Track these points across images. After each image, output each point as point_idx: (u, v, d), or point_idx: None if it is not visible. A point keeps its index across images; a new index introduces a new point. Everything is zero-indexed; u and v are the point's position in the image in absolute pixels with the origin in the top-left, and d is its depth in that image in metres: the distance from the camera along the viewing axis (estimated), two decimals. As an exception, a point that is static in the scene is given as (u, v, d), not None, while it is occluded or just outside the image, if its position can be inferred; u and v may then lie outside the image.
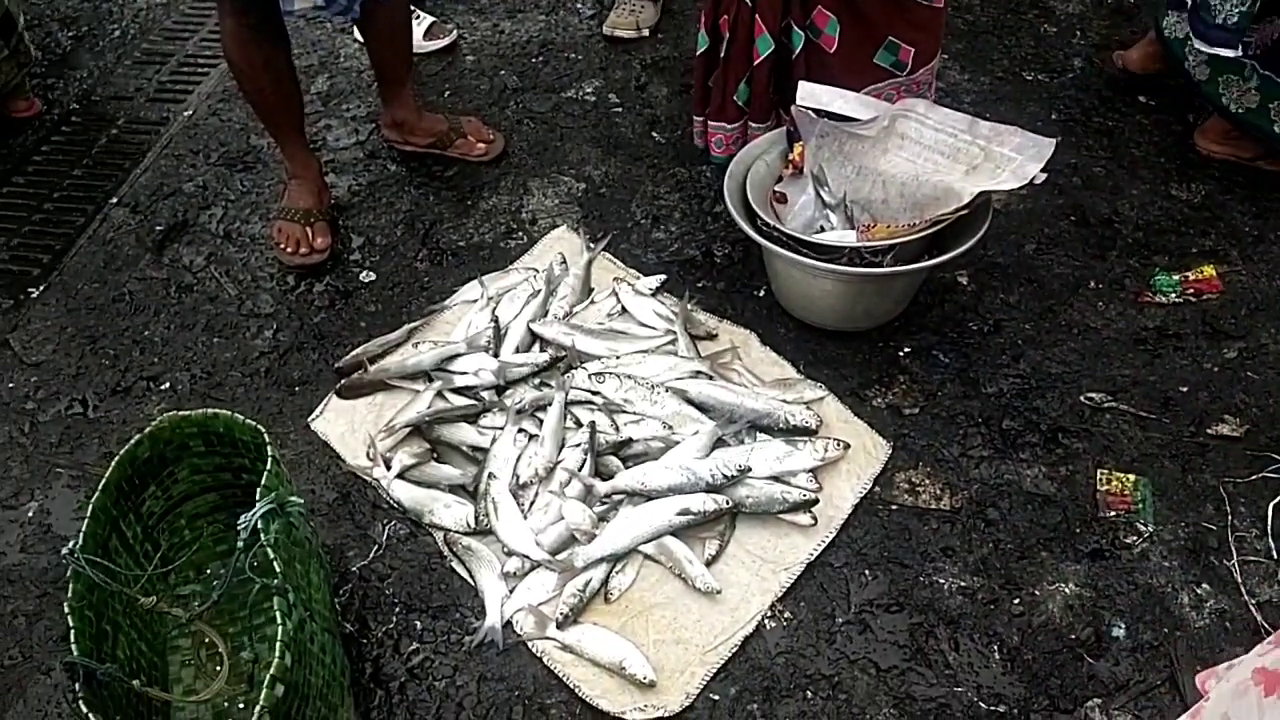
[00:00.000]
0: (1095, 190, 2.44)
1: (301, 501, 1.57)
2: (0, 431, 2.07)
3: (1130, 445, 1.92)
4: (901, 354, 2.12)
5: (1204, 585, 1.72)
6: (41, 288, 2.37)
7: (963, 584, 1.75)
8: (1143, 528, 1.80)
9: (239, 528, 1.45)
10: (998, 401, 2.03)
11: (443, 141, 2.60)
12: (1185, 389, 2.01)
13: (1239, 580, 1.72)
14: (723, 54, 2.20)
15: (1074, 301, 2.20)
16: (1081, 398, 2.01)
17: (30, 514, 1.93)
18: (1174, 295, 2.17)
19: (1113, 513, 1.82)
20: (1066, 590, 1.73)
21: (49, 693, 1.68)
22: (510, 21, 3.12)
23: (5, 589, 1.82)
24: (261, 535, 1.43)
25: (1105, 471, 1.88)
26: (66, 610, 1.39)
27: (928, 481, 1.90)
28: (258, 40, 2.15)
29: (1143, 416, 1.97)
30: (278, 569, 1.42)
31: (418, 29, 2.98)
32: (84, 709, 1.28)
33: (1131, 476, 1.86)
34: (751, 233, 2.01)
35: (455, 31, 3.05)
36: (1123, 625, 1.68)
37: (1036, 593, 1.74)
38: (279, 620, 1.35)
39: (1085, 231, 2.35)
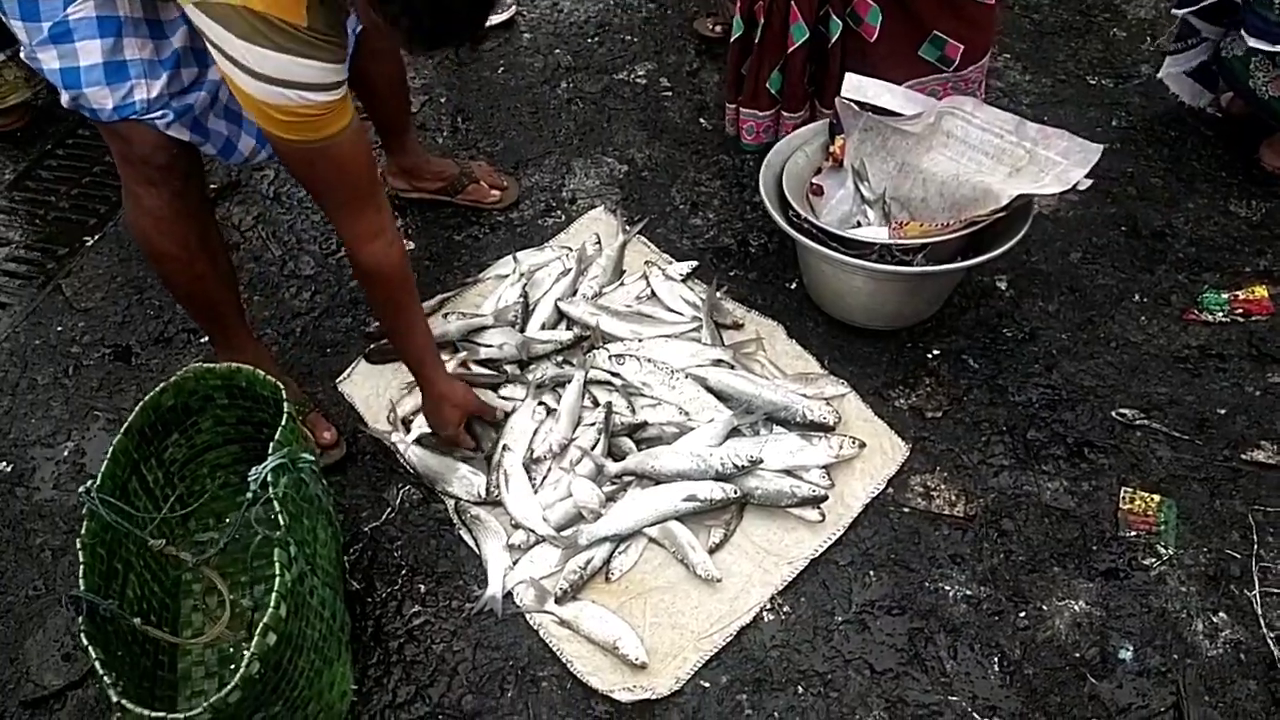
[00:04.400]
0: (1150, 201, 2.36)
1: (313, 458, 1.61)
2: (45, 372, 2.15)
3: (1159, 465, 1.87)
4: (930, 356, 2.09)
5: (1221, 614, 1.66)
6: (96, 237, 2.45)
7: (968, 592, 1.72)
8: (1163, 550, 1.75)
9: (249, 479, 1.49)
10: (1025, 411, 1.98)
11: (453, 187, 2.44)
12: (1223, 411, 1.94)
13: (1259, 612, 1.66)
14: (757, 40, 2.18)
15: (1115, 314, 2.14)
16: (1113, 413, 1.95)
17: (66, 453, 2.01)
18: (1221, 314, 2.09)
19: (1133, 533, 1.77)
20: (1076, 607, 1.69)
21: (67, 624, 1.75)
22: (570, 1, 3.12)
23: (36, 522, 1.90)
24: (270, 489, 1.48)
25: (1130, 490, 1.83)
26: (78, 546, 1.45)
27: (943, 487, 1.87)
28: (187, 213, 1.73)
29: (1175, 437, 1.90)
30: (282, 522, 1.46)
31: None
32: (84, 641, 1.34)
33: (1157, 497, 1.81)
34: (782, 223, 1.99)
35: (514, 7, 3.06)
36: (1131, 648, 1.64)
37: (1044, 607, 1.70)
38: (278, 571, 1.39)
39: (1135, 243, 2.28)
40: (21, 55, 1.57)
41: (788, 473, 1.84)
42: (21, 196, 2.58)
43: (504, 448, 1.90)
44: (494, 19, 3.01)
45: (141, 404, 1.63)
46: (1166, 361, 2.04)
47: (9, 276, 2.37)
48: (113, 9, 1.50)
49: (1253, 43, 2.15)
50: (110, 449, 1.57)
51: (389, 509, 1.89)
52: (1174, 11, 2.38)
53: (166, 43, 1.58)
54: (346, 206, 1.58)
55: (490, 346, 2.08)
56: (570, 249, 2.31)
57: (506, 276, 2.27)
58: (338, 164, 1.51)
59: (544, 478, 1.89)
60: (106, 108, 1.54)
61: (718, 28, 2.90)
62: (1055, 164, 1.92)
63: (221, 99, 1.68)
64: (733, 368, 2.01)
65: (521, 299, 2.17)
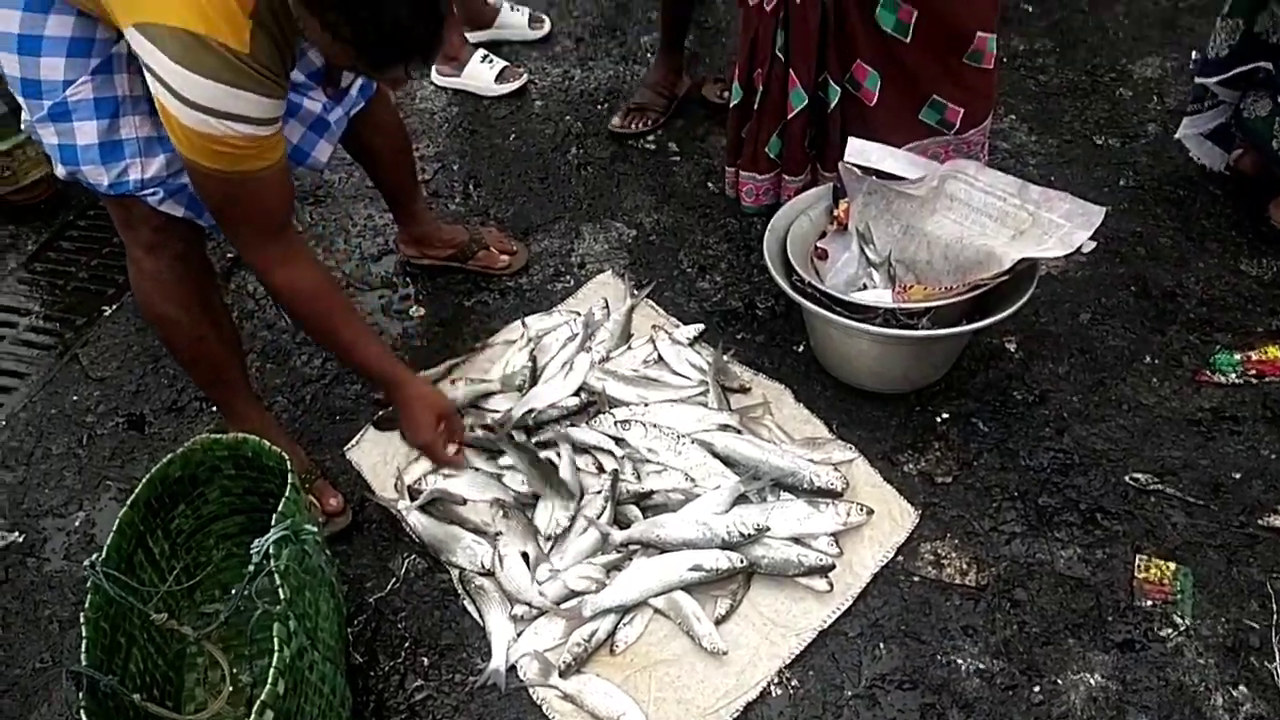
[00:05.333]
0: (1159, 261, 2.35)
1: (316, 530, 1.61)
2: (60, 442, 2.18)
3: (1174, 532, 1.83)
4: (939, 420, 2.07)
5: (1241, 687, 1.62)
6: (114, 306, 2.50)
7: (981, 666, 1.69)
8: (1180, 620, 1.71)
9: (252, 551, 1.50)
10: (1036, 476, 1.95)
11: (463, 253, 2.45)
12: (1238, 475, 1.90)
13: (1280, 685, 1.61)
14: (756, 106, 2.20)
15: (1127, 376, 2.12)
16: (1126, 478, 1.92)
17: (77, 523, 2.03)
18: (1234, 376, 2.07)
19: (1149, 602, 1.73)
20: (1092, 681, 1.65)
21: (72, 697, 1.74)
22: (581, 69, 3.18)
23: (45, 594, 1.91)
24: (271, 561, 1.48)
25: (1145, 558, 1.79)
26: (81, 620, 1.45)
27: (954, 555, 1.84)
28: (188, 276, 1.74)
29: (1190, 502, 1.87)
30: (283, 595, 1.45)
31: (490, 72, 3.07)
32: (84, 718, 1.34)
33: (1172, 565, 1.77)
34: (786, 288, 2.00)
35: (526, 76, 3.13)
36: (1149, 723, 1.59)
37: (1059, 681, 1.66)
38: (276, 647, 1.38)
39: (1145, 303, 2.26)
40: (23, 126, 1.62)
41: (795, 540, 1.82)
42: (42, 267, 2.63)
43: (501, 516, 1.89)
44: (505, 88, 3.08)
45: (148, 476, 1.64)
46: (1179, 424, 2.01)
47: (28, 346, 2.41)
48: (111, 89, 1.54)
49: None
50: (117, 521, 1.58)
51: (394, 579, 1.88)
52: (1197, 80, 2.38)
53: None
54: (258, 236, 1.58)
55: (496, 412, 2.08)
56: (578, 313, 2.32)
57: (515, 341, 2.28)
58: (255, 198, 1.51)
59: (551, 546, 1.87)
60: (103, 184, 1.59)
61: (724, 94, 2.93)
62: (1058, 226, 1.92)
63: None
64: (739, 432, 2.01)
65: (529, 364, 2.18)
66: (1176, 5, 3.15)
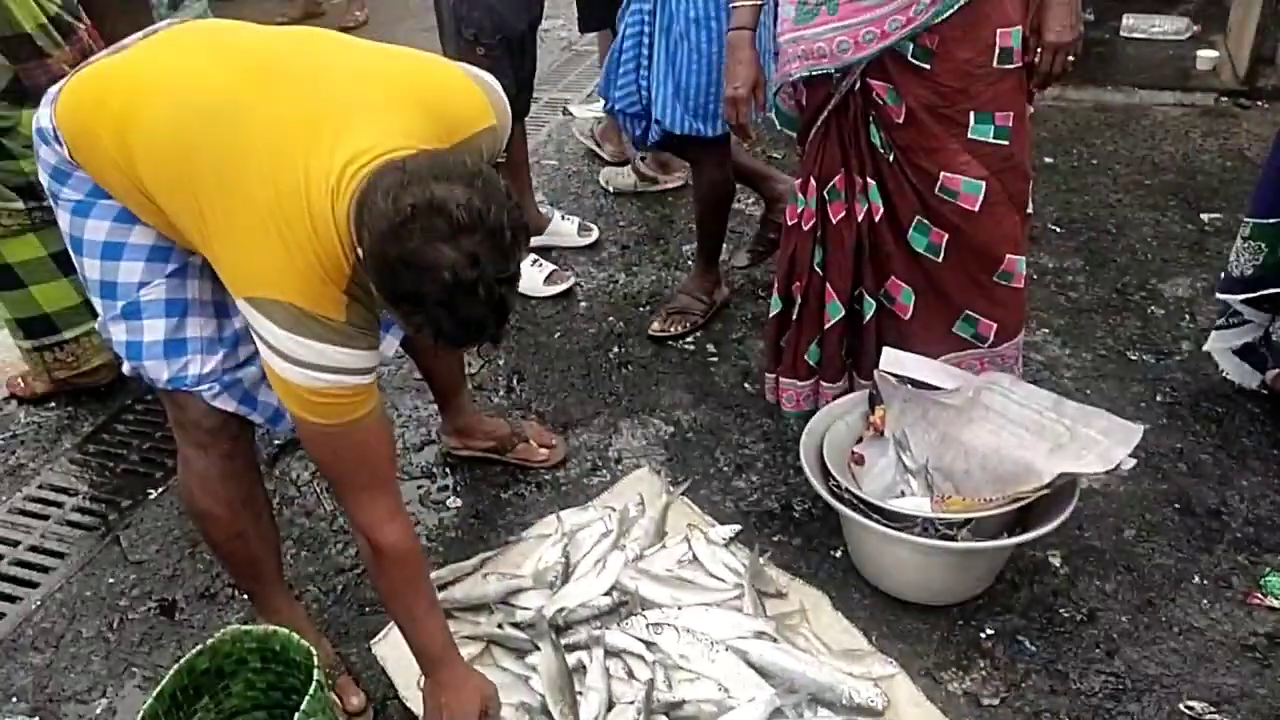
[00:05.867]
0: (1202, 479, 2.33)
1: (338, 732, 1.57)
2: (91, 625, 2.17)
3: (1236, 768, 1.73)
4: (984, 635, 2.01)
5: None
6: (160, 490, 2.55)
7: None
8: None
9: (272, 752, 1.46)
10: (1088, 701, 1.87)
11: (504, 446, 2.50)
12: (1301, 708, 1.81)
13: None
14: (794, 316, 2.28)
15: (1176, 596, 2.05)
16: (1181, 705, 1.83)
17: (98, 711, 1.99)
18: (1288, 600, 2.00)
19: None
20: None
21: None
22: (625, 274, 3.34)
23: (57, 786, 1.86)
24: (290, 764, 1.44)
25: (1208, 797, 1.68)
26: (91, 820, 1.40)
27: (1003, 785, 1.74)
28: (234, 474, 1.80)
29: (1251, 735, 1.77)
30: (299, 801, 1.41)
31: (539, 275, 3.22)
32: None
33: (1238, 806, 1.66)
34: (823, 492, 2.00)
35: (573, 279, 3.28)
36: None
37: None
38: None
39: (1190, 521, 2.22)
40: (96, 325, 1.73)
41: (833, 762, 1.74)
42: (95, 449, 2.71)
43: None
44: (553, 289, 3.22)
45: (176, 667, 1.63)
46: (1234, 650, 1.93)
47: (72, 526, 2.45)
48: (183, 292, 1.66)
49: None
50: (140, 714, 1.55)
51: (413, 786, 1.81)
52: (1219, 295, 2.44)
53: (229, 322, 1.74)
54: (367, 490, 1.62)
55: (527, 609, 2.06)
56: (613, 509, 2.33)
57: (549, 536, 2.28)
58: (360, 447, 1.57)
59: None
60: (162, 378, 1.68)
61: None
62: (1097, 442, 1.93)
63: None
64: (775, 641, 1.95)
65: (562, 560, 2.16)
66: (1203, 229, 3.27)
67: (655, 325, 3.00)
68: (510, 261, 1.37)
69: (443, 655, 1.75)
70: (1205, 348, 2.55)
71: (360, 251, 1.38)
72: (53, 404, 2.87)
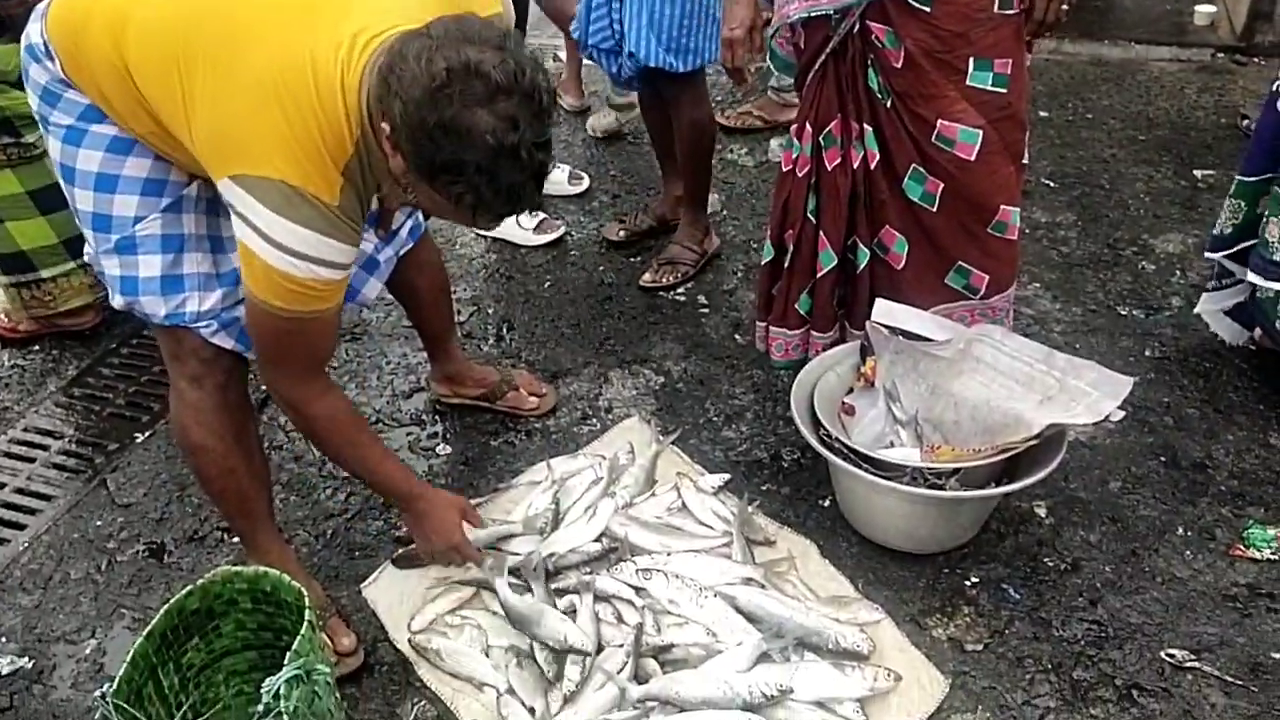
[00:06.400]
0: (1188, 432, 2.35)
1: (329, 670, 1.58)
2: (79, 567, 2.17)
3: (1212, 713, 1.76)
4: (968, 583, 2.03)
5: None
6: (147, 434, 2.53)
7: None
8: (1226, 811, 1.62)
9: (263, 691, 1.46)
10: (1070, 648, 1.89)
11: (493, 393, 2.49)
12: (1278, 655, 1.84)
13: None
14: (786, 265, 2.27)
15: (1160, 547, 2.08)
16: (1162, 653, 1.86)
17: (88, 651, 1.99)
18: (1269, 551, 2.03)
19: (1192, 789, 1.65)
20: None
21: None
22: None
23: (48, 724, 1.87)
24: (281, 701, 1.44)
25: (1185, 741, 1.72)
26: (84, 755, 1.41)
27: (985, 728, 1.77)
28: (227, 407, 1.78)
29: (1228, 681, 1.80)
30: (290, 739, 1.41)
31: (530, 222, 3.19)
32: None
33: (1215, 750, 1.69)
34: (814, 442, 2.01)
35: (563, 228, 3.25)
36: None
37: None
38: (280, 793, 1.33)
39: (1175, 474, 2.24)
40: (85, 257, 1.70)
41: (819, 704, 1.76)
42: (81, 392, 2.69)
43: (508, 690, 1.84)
44: (543, 238, 3.19)
45: (166, 607, 1.62)
46: (1215, 599, 1.96)
47: (58, 469, 2.44)
48: (179, 227, 1.64)
49: (1252, 278, 2.21)
50: (130, 652, 1.55)
51: (402, 726, 1.82)
52: (1207, 255, 2.44)
53: (226, 258, 1.71)
54: (302, 373, 1.65)
55: (518, 555, 2.06)
56: (603, 457, 2.33)
57: (539, 483, 2.29)
58: (312, 336, 1.59)
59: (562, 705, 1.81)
60: (159, 314, 1.66)
61: (621, 233, 3.15)
62: (1086, 394, 1.94)
63: None
64: (764, 587, 1.97)
65: (552, 507, 2.17)
66: (1195, 186, 3.26)
67: (646, 276, 2.99)
68: (546, 124, 1.36)
69: (412, 490, 1.88)
70: (1196, 310, 2.56)
71: (385, 125, 1.35)
72: (36, 347, 2.84)
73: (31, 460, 2.47)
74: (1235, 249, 2.37)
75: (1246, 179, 2.32)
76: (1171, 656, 1.86)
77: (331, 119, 1.40)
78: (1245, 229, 2.35)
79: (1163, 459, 2.28)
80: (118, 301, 1.68)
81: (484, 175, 1.33)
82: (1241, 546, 2.05)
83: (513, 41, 1.34)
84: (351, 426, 1.78)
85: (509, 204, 1.40)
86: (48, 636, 2.02)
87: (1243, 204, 2.33)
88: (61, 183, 1.63)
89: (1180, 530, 2.11)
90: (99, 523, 2.28)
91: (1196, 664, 1.84)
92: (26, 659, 1.98)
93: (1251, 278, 2.25)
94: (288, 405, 1.72)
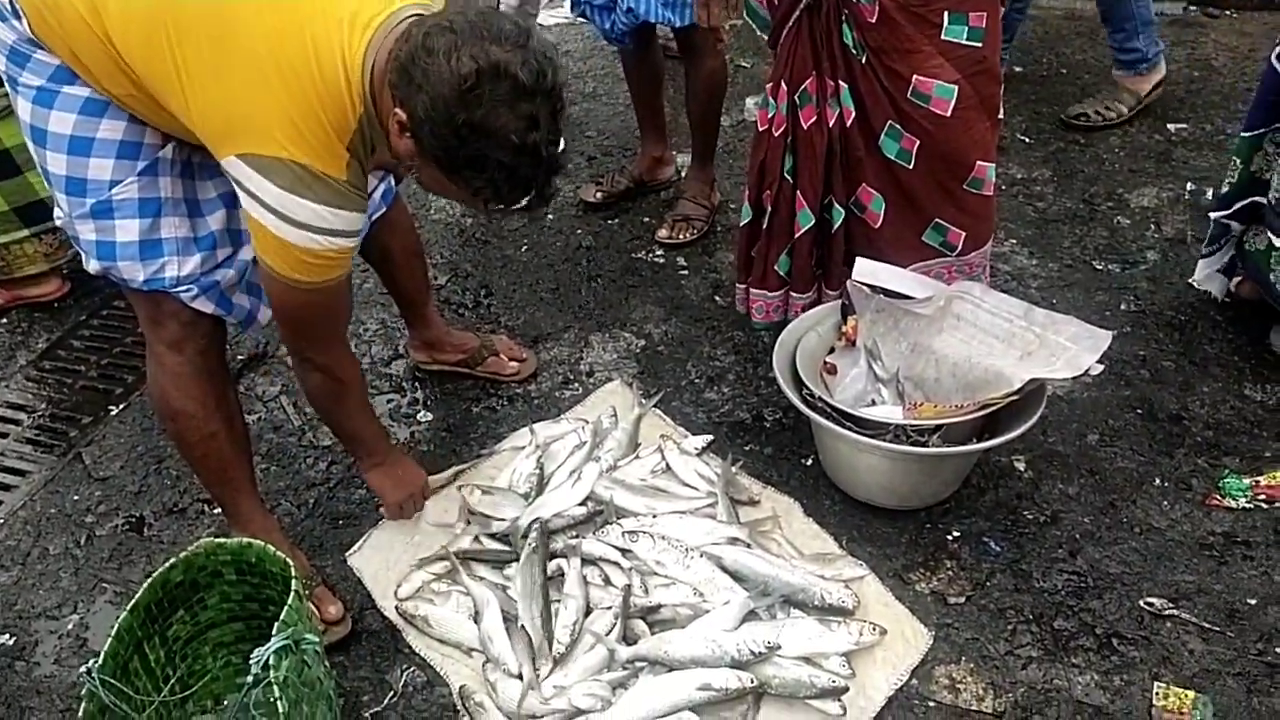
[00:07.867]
0: (1164, 385, 2.38)
1: (317, 640, 1.57)
2: (57, 542, 2.15)
3: (1191, 659, 1.79)
4: (950, 538, 2.05)
5: (1270, 826, 1.56)
6: (121, 406, 2.50)
7: (1000, 797, 1.63)
8: (1203, 753, 1.66)
9: (252, 661, 1.46)
10: (1050, 598, 1.93)
11: (473, 359, 2.48)
12: (1253, 602, 1.88)
13: (1311, 825, 1.55)
14: (765, 226, 2.26)
15: (1137, 498, 2.11)
16: (1141, 602, 1.90)
17: (70, 626, 1.98)
18: (1244, 500, 2.06)
19: (1170, 732, 1.69)
20: (1115, 816, 1.59)
21: (51, 813, 1.67)
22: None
23: (33, 700, 1.85)
24: (270, 671, 1.44)
25: (1163, 685, 1.75)
26: (72, 730, 1.40)
27: (970, 679, 1.80)
28: (207, 371, 1.76)
29: (1205, 628, 1.84)
30: (281, 710, 1.41)
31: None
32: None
33: (1190, 693, 1.73)
34: (797, 401, 2.01)
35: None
36: None
37: (1081, 815, 1.60)
38: (273, 763, 1.33)
39: (1152, 426, 2.27)
40: (56, 220, 1.66)
41: (806, 660, 1.78)
42: (51, 365, 2.64)
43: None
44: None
45: (150, 580, 1.61)
46: (1192, 548, 2.00)
47: (31, 444, 2.41)
48: (155, 190, 1.61)
49: (1274, 239, 2.21)
50: (115, 627, 1.54)
51: (391, 693, 1.83)
52: (1211, 215, 2.44)
53: (203, 221, 1.69)
54: (325, 339, 1.73)
55: (502, 520, 2.06)
56: (586, 421, 2.32)
57: (522, 448, 2.28)
58: (330, 304, 1.65)
59: (552, 668, 1.82)
60: (137, 279, 1.64)
61: (598, 194, 3.12)
62: (1065, 349, 1.95)
63: (247, 275, 1.78)
64: (749, 546, 1.98)
65: (536, 471, 2.17)
66: (1170, 139, 3.27)
67: (662, 232, 2.96)
68: (560, 123, 1.43)
69: (386, 445, 2.05)
70: (1192, 280, 2.55)
71: (400, 112, 1.39)
72: (5, 320, 2.78)
73: (4, 435, 2.43)
74: (1234, 207, 2.37)
75: (1246, 134, 2.31)
76: (1150, 605, 1.89)
77: (334, 96, 1.42)
78: (1242, 187, 2.34)
79: (1139, 411, 2.31)
80: (93, 266, 1.64)
81: (504, 171, 1.39)
82: (1217, 496, 2.08)
83: (536, 40, 1.39)
84: (364, 389, 1.94)
85: (522, 196, 1.47)
86: (28, 613, 2.00)
87: (1239, 161, 2.32)
88: (31, 145, 1.59)
89: (1157, 481, 2.14)
90: (76, 497, 2.25)
91: (1175, 611, 1.87)
92: (7, 636, 1.96)
93: (1274, 239, 2.22)
94: (320, 371, 1.77)
